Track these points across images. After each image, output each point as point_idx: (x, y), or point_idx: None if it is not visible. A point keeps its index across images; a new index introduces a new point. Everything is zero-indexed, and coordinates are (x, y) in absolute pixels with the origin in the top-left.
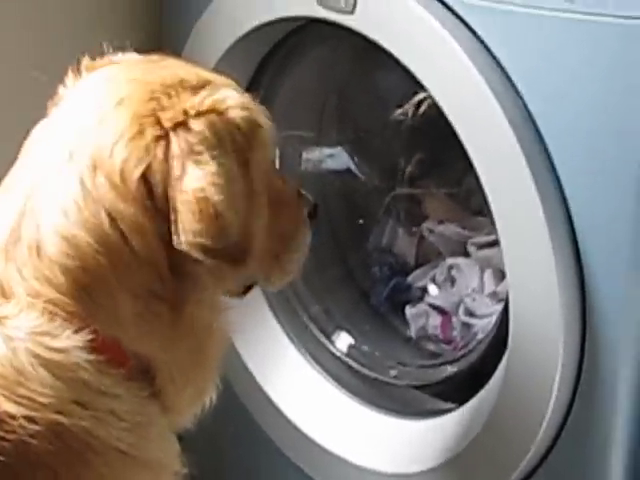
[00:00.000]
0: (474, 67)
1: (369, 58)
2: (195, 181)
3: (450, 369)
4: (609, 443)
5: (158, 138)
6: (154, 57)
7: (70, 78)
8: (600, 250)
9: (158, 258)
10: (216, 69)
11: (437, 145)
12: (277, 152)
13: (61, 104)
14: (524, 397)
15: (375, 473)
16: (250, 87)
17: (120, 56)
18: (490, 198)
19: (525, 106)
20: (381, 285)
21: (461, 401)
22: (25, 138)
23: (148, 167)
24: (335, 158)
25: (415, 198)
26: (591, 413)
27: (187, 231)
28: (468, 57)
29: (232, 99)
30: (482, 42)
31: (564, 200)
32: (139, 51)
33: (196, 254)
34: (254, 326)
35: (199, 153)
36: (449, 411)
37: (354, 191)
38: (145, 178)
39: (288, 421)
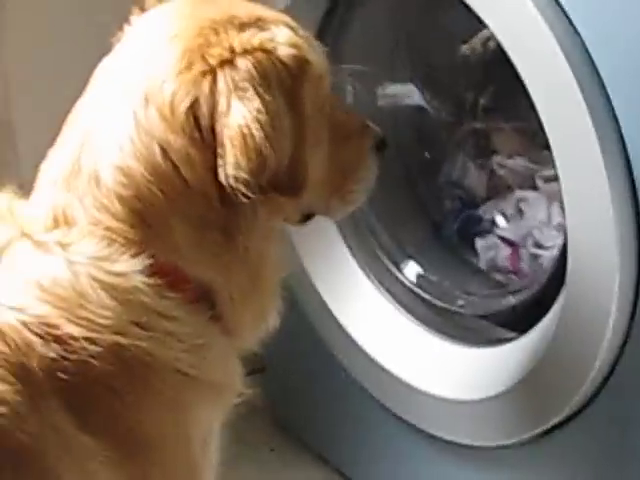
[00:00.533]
0: (532, 4)
1: None
2: (239, 117)
3: (515, 298)
4: None
5: (205, 73)
6: None
7: (134, 16)
8: None
9: (208, 188)
10: (289, 8)
11: (505, 80)
12: (349, 88)
13: (122, 41)
14: (582, 326)
15: (440, 399)
16: (323, 24)
17: None
18: (548, 132)
19: (582, 42)
20: (452, 217)
21: (524, 330)
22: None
23: (195, 100)
24: (407, 94)
25: (484, 132)
26: None
27: (230, 165)
28: None
29: (281, 37)
30: None
31: (620, 134)
32: None
33: (239, 188)
34: (325, 252)
35: (244, 90)
36: (512, 339)
37: (426, 125)
38: (192, 111)
39: (357, 345)
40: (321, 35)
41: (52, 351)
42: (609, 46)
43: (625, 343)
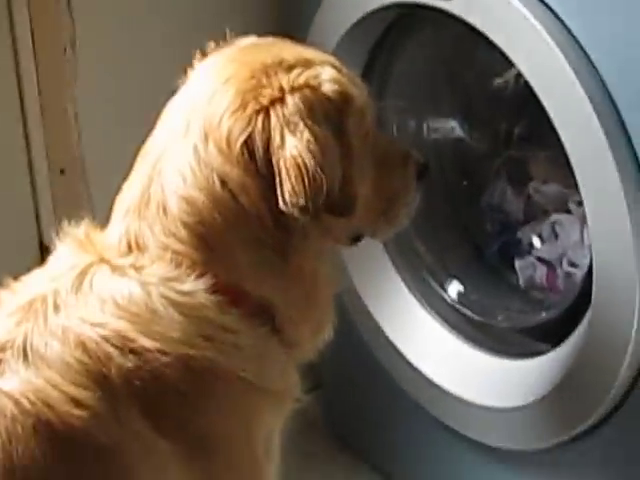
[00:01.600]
0: (555, 45)
1: (471, 37)
2: (292, 149)
3: (549, 314)
4: None
5: (258, 111)
6: (268, 40)
7: (197, 61)
8: None
9: (263, 213)
10: (336, 51)
11: (537, 111)
12: (395, 122)
13: (186, 83)
14: (608, 339)
15: (481, 407)
16: (368, 64)
17: (239, 40)
18: (572, 161)
19: (601, 78)
20: (492, 239)
21: (557, 343)
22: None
23: (250, 136)
24: (449, 127)
25: (521, 160)
26: None
27: (288, 193)
28: (550, 37)
29: (325, 74)
30: (563, 23)
31: (636, 158)
32: (260, 35)
33: (297, 214)
34: (375, 274)
35: (295, 124)
36: (546, 352)
37: (467, 155)
38: (247, 145)
39: (404, 359)
40: (367, 73)
41: (129, 361)
42: (625, 79)
43: None
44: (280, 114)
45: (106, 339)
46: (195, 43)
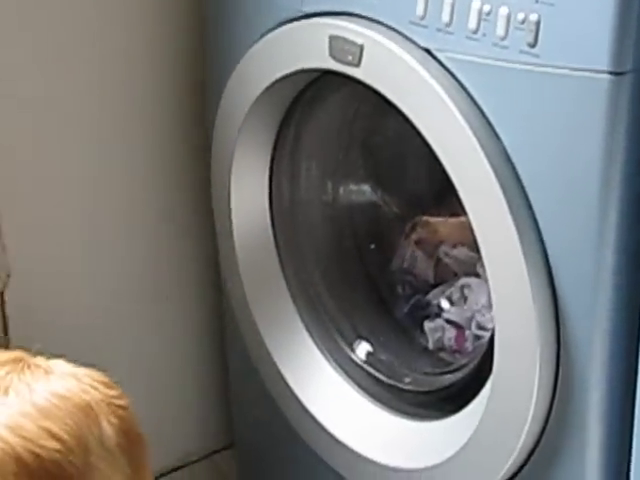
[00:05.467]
0: (460, 116)
1: (380, 103)
2: None
3: (457, 376)
4: (583, 449)
5: None
6: None
7: None
8: (568, 268)
9: None
10: (250, 112)
11: (446, 177)
12: (312, 184)
13: None
14: (510, 400)
15: (386, 467)
16: (281, 128)
17: None
18: (474, 227)
19: (505, 149)
20: (403, 302)
21: (463, 405)
22: None
23: None
24: (362, 191)
25: (431, 224)
26: (564, 426)
27: None
28: (454, 106)
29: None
30: (468, 93)
31: (537, 227)
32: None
33: None
34: (285, 332)
35: None
36: (453, 413)
37: (379, 219)
38: None
39: (313, 417)
40: (281, 135)
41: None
42: (526, 145)
43: (547, 421)
44: None
45: None
46: None
